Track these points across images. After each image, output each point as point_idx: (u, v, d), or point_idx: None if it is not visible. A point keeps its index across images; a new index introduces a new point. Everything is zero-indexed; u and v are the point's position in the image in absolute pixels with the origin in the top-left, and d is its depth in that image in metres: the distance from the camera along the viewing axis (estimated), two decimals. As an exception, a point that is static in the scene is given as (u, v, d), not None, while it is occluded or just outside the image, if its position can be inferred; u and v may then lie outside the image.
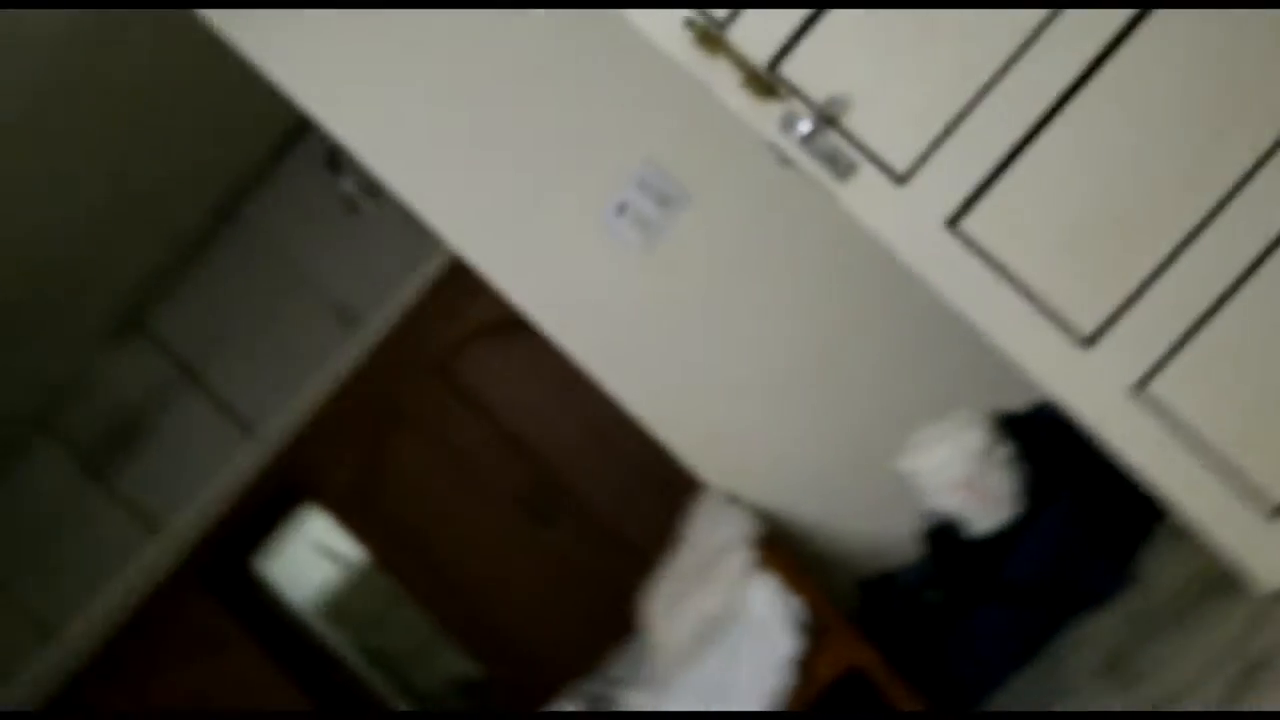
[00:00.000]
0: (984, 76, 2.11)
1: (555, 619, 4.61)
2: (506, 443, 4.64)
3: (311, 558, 5.69)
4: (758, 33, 2.16)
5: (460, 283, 4.55)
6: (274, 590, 5.05)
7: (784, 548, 2.66)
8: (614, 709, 2.92)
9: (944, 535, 2.82)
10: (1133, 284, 2.12)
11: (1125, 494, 2.64)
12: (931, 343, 3.25)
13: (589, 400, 4.59)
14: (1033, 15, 2.07)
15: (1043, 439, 2.87)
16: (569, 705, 2.93)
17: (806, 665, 2.61)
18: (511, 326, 4.59)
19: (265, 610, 4.88)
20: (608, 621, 4.58)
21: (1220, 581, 2.23)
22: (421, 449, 4.69)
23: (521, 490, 4.62)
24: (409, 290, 4.68)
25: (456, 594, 4.68)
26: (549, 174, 3.45)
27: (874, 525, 3.26)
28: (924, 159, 2.15)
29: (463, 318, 4.68)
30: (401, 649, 5.50)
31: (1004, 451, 2.83)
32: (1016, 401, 3.05)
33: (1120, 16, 2.06)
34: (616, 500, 4.59)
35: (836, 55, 2.16)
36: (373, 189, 4.23)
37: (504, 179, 3.47)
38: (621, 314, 3.52)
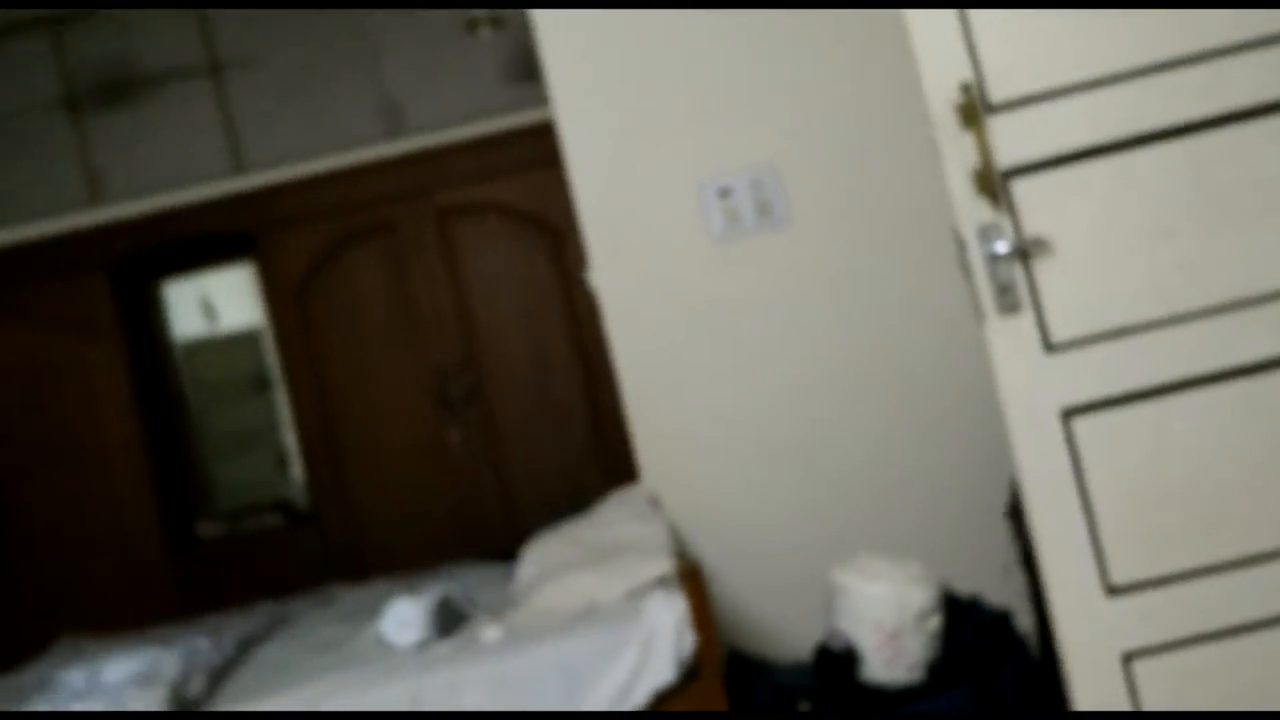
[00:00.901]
0: (1182, 309, 2.08)
1: (404, 499, 4.47)
2: (459, 319, 4.48)
3: (204, 307, 5.39)
4: (1018, 136, 2.09)
5: (513, 152, 4.40)
6: (164, 316, 4.78)
7: (700, 581, 2.58)
8: (462, 622, 2.81)
9: (839, 662, 2.78)
10: (1178, 568, 2.11)
11: (1029, 714, 2.67)
12: (932, 485, 3.25)
13: (553, 330, 4.49)
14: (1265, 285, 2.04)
15: (968, 632, 2.87)
16: (423, 592, 2.80)
17: (663, 698, 2.55)
18: (531, 222, 4.46)
19: (146, 327, 4.62)
20: (448, 531, 4.47)
21: None
22: (381, 276, 4.50)
23: (445, 367, 4.47)
24: (464, 130, 4.47)
25: (328, 425, 4.50)
26: (685, 120, 3.34)
27: (772, 608, 3.22)
28: (1080, 344, 2.11)
29: (492, 185, 4.50)
30: (234, 442, 5.24)
31: (935, 623, 2.81)
32: (975, 584, 3.07)
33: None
34: (525, 434, 4.47)
35: (1070, 201, 2.10)
36: (501, 22, 4.03)
37: (641, 92, 3.35)
38: (660, 280, 3.41)
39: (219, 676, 2.83)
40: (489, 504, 4.46)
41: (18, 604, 4.32)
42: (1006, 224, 2.10)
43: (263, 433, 5.27)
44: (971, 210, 2.11)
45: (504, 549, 4.16)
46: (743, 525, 3.31)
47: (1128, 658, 2.10)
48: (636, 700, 2.53)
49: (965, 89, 2.08)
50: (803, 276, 3.38)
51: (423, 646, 2.75)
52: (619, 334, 3.42)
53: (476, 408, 4.47)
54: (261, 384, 5.24)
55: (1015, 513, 3.16)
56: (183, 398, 4.76)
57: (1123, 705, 2.09)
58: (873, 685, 2.78)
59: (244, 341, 5.32)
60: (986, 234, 2.10)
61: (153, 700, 2.52)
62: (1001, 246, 2.09)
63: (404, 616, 2.79)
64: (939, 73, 2.10)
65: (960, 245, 2.14)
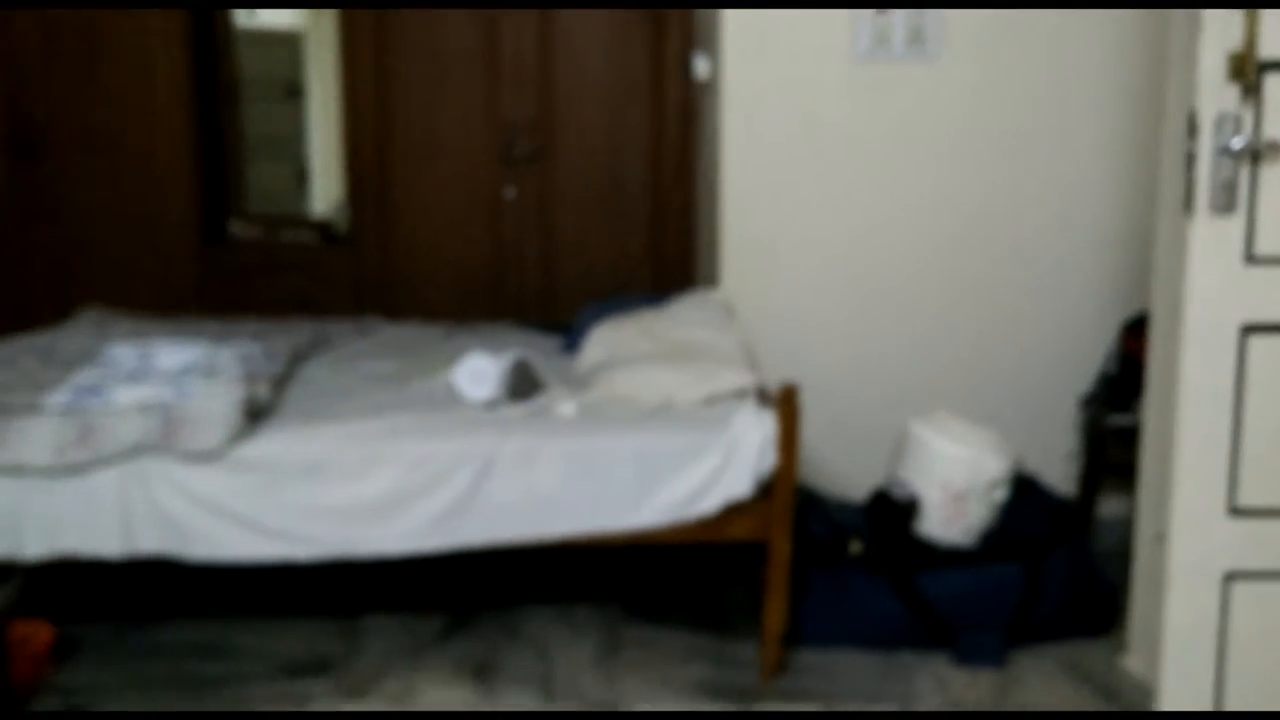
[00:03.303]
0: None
1: (445, 245, 4.31)
2: (540, 77, 4.22)
3: None
4: (1288, 30, 1.93)
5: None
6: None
7: (795, 405, 2.52)
8: (535, 390, 2.73)
9: (898, 510, 2.78)
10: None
11: (1071, 608, 2.72)
12: (1016, 358, 3.21)
13: (634, 112, 4.25)
14: None
15: (1030, 512, 2.87)
16: (501, 351, 2.72)
17: (730, 512, 2.53)
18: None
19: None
20: (482, 288, 4.36)
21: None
22: (468, 12, 4.19)
23: (515, 122, 4.24)
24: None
25: (380, 151, 4.28)
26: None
27: (827, 442, 3.20)
28: (1276, 263, 2.01)
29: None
30: (258, 147, 4.98)
31: (1000, 495, 2.80)
32: (1034, 464, 3.07)
33: None
34: (582, 210, 4.29)
35: (1320, 113, 1.96)
36: None
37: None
38: (791, 86, 3.24)
39: (278, 387, 2.75)
40: (530, 271, 4.33)
41: (34, 263, 4.16)
42: (1249, 119, 1.97)
43: (287, 143, 5.05)
44: (1216, 96, 1.96)
45: (541, 320, 4.09)
46: (814, 354, 3.25)
47: (1229, 577, 2.10)
48: (707, 506, 2.50)
49: (1253, -37, 1.90)
50: (937, 116, 3.22)
51: (492, 405, 2.68)
52: (732, 132, 3.25)
53: (538, 171, 4.27)
54: (292, 91, 4.99)
55: (1091, 403, 3.15)
56: (235, 87, 4.49)
57: (1212, 621, 2.10)
58: (925, 540, 2.79)
59: (282, 42, 5.01)
60: (1224, 125, 1.96)
61: (229, 395, 2.44)
62: (1237, 142, 1.96)
63: (479, 370, 2.71)
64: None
65: (1191, 130, 2.00)
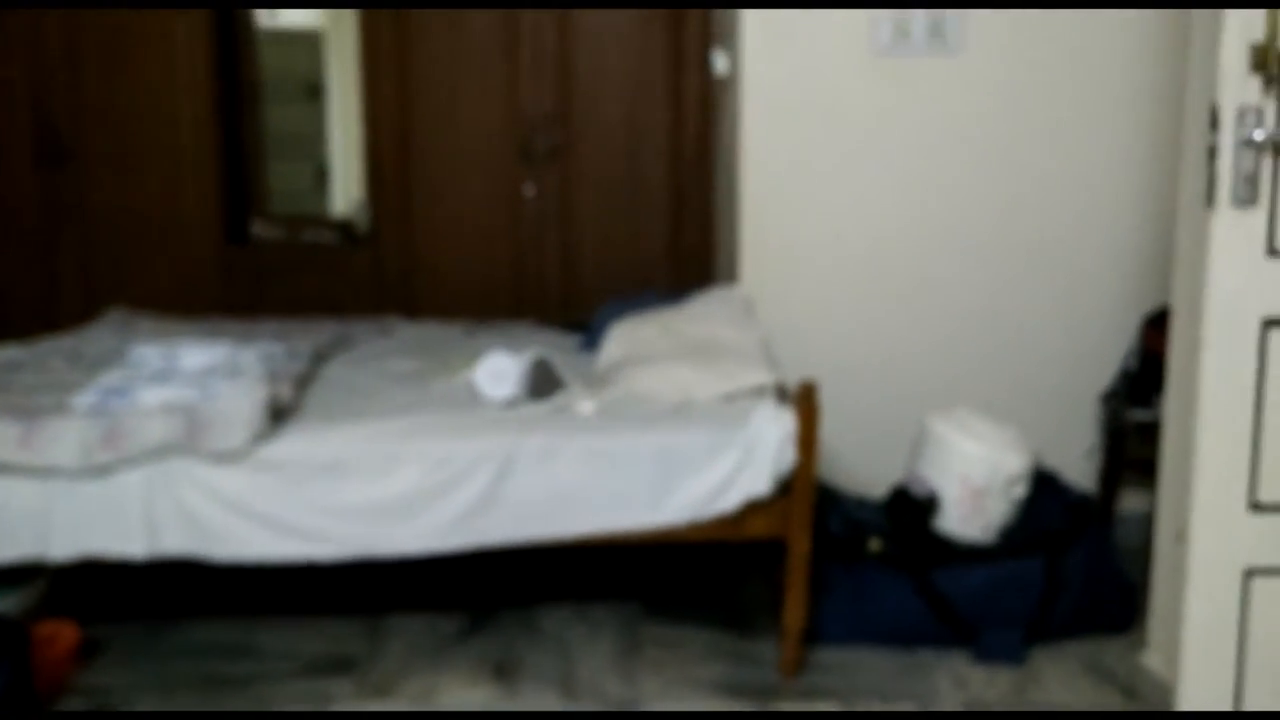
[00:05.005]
0: None
1: (466, 243, 4.32)
2: (558, 71, 4.23)
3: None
4: (1312, 21, 1.91)
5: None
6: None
7: (814, 402, 2.52)
8: (556, 389, 2.74)
9: (917, 507, 2.78)
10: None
11: (1091, 604, 2.72)
12: (1035, 355, 3.20)
13: (653, 107, 4.25)
14: None
15: (1050, 508, 2.85)
16: (521, 350, 2.73)
17: (749, 509, 2.53)
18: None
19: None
20: (504, 285, 4.37)
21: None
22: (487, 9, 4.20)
23: (534, 118, 4.25)
24: None
25: (401, 150, 4.30)
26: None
27: (844, 439, 3.19)
28: (1303, 258, 2.00)
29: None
30: (279, 147, 5.00)
31: (1020, 491, 2.79)
32: (1054, 460, 3.06)
33: None
34: (602, 206, 4.30)
35: (1342, 107, 1.94)
36: None
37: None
38: (810, 80, 3.24)
39: (300, 386, 2.77)
40: (551, 268, 4.34)
41: (60, 265, 4.21)
42: (1271, 111, 1.95)
43: (307, 142, 5.07)
44: (1238, 87, 1.95)
45: (561, 318, 4.09)
46: (833, 350, 3.25)
47: (1249, 573, 2.09)
48: (727, 504, 2.51)
49: (1275, -47, 1.88)
50: (957, 111, 3.21)
51: (512, 404, 2.70)
52: (752, 127, 3.26)
53: (558, 168, 4.28)
54: (313, 91, 5.01)
55: (1111, 398, 3.13)
56: (256, 88, 4.51)
57: (1233, 618, 2.09)
58: (944, 536, 2.78)
59: (302, 41, 5.03)
60: (1246, 117, 1.95)
61: (252, 395, 2.46)
62: (1259, 134, 1.95)
63: (499, 369, 2.72)
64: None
65: (1213, 123, 1.99)
